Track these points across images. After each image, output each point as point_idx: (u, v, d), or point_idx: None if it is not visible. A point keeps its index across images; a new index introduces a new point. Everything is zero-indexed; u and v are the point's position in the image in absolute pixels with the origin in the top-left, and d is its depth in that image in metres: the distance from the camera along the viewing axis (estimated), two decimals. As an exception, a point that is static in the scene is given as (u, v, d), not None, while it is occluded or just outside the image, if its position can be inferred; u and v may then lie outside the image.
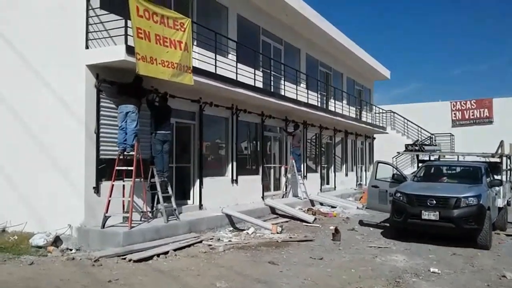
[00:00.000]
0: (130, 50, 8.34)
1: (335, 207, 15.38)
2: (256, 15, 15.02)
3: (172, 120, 10.40)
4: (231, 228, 11.04)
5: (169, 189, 9.85)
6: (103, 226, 8.56)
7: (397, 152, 12.57)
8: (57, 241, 8.63)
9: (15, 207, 9.48)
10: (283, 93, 15.14)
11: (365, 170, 26.36)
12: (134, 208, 9.29)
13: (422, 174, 10.91)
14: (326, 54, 20.98)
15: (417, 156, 12.47)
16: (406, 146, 12.37)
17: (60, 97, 8.96)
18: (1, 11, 10.05)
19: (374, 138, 27.60)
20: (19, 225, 9.33)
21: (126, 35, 8.47)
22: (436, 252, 8.40)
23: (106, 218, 8.64)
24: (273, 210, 13.52)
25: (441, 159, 12.43)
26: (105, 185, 9.02)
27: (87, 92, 8.75)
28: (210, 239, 9.54)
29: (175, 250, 8.22)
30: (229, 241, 9.40)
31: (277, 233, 10.44)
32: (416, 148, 11.89)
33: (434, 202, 8.95)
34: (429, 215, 8.88)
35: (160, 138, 9.68)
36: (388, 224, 11.98)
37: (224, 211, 11.20)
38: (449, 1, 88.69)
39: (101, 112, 9.01)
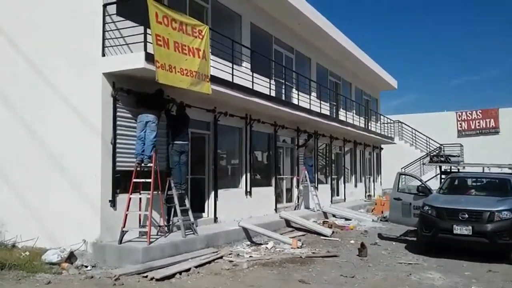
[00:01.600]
0: (149, 58, 8.02)
1: (350, 220, 14.98)
2: (268, 23, 14.76)
3: (186, 130, 10.04)
4: (248, 242, 10.63)
5: (186, 202, 9.46)
6: (120, 242, 8.15)
7: (424, 163, 12.14)
8: (71, 257, 8.21)
9: (26, 221, 9.06)
10: (295, 103, 14.82)
11: (373, 181, 26.01)
12: (154, 222, 8.92)
13: (447, 186, 10.54)
14: (335, 63, 20.73)
15: (440, 167, 12.12)
16: (431, 157, 12.01)
17: (74, 106, 8.60)
18: (13, 19, 9.73)
19: (382, 149, 27.28)
20: (30, 240, 8.92)
21: (145, 42, 8.14)
22: (471, 269, 7.99)
23: (123, 233, 8.23)
24: (288, 223, 13.11)
25: (463, 171, 12.03)
26: (121, 198, 8.63)
27: (103, 101, 8.40)
28: (229, 254, 9.14)
29: (196, 266, 7.82)
30: (250, 256, 8.99)
31: (298, 247, 10.03)
32: (442, 159, 11.52)
33: (466, 216, 8.57)
34: (461, 230, 8.49)
35: (177, 148, 9.32)
36: (410, 238, 11.64)
37: (241, 224, 10.79)
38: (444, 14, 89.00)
39: (118, 122, 8.66)
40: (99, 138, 8.34)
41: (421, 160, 27.19)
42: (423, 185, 10.36)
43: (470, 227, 8.44)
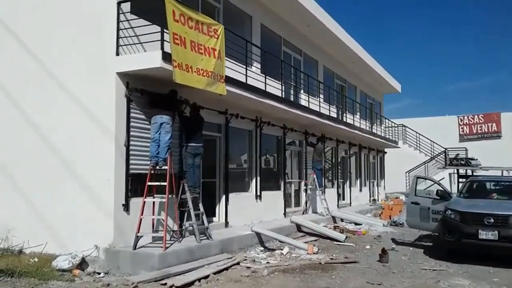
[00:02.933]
0: (166, 57, 7.74)
1: (360, 224, 14.71)
2: (278, 25, 14.54)
3: (198, 132, 9.75)
4: (262, 248, 10.34)
5: (200, 206, 9.17)
6: (135, 247, 7.85)
7: (440, 167, 11.79)
8: (82, 263, 7.89)
9: (34, 226, 8.74)
10: (305, 105, 14.58)
11: (377, 186, 25.78)
12: (168, 227, 8.61)
13: (467, 190, 10.29)
14: (341, 66, 20.54)
15: (458, 171, 11.89)
16: (451, 160, 11.79)
17: (87, 108, 8.30)
18: (22, 19, 9.44)
19: (385, 153, 27.08)
20: (38, 246, 8.59)
21: (162, 40, 7.86)
22: (498, 275, 7.74)
23: (138, 239, 7.93)
24: (298, 227, 12.83)
25: (480, 174, 11.80)
26: (134, 202, 8.33)
27: (117, 102, 8.10)
28: (244, 260, 8.85)
29: (214, 273, 7.53)
30: (267, 262, 8.70)
31: (314, 253, 9.76)
32: (462, 162, 11.29)
33: (492, 220, 8.33)
34: (487, 235, 8.25)
35: (191, 151, 9.04)
36: (425, 243, 11.40)
37: (254, 229, 10.51)
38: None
39: (131, 124, 8.36)
40: (112, 140, 8.05)
41: (426, 164, 27.05)
42: (442, 189, 10.11)
43: (496, 232, 8.20)
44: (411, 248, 10.60)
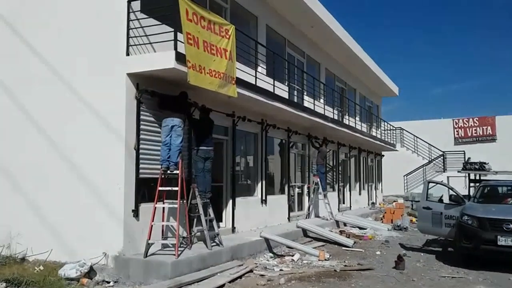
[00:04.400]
0: (179, 58, 7.47)
1: (364, 229, 14.52)
2: (282, 26, 14.34)
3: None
4: (271, 254, 10.09)
5: (211, 211, 8.90)
6: (146, 255, 7.55)
7: (459, 170, 11.42)
8: (90, 271, 7.59)
9: (38, 232, 8.41)
10: (310, 108, 14.38)
11: (375, 189, 25.69)
12: (175, 233, 8.34)
13: (480, 195, 10.14)
14: (342, 69, 20.41)
15: (468, 175, 11.74)
16: (465, 164, 11.64)
17: (96, 109, 8.00)
18: (26, 16, 9.12)
19: (383, 156, 27.01)
20: (42, 254, 8.27)
21: (175, 40, 7.59)
22: (519, 283, 7.59)
23: (149, 246, 7.64)
24: (304, 232, 12.61)
25: (490, 178, 11.66)
26: (144, 207, 8.05)
27: (127, 104, 7.82)
28: (256, 267, 8.60)
29: (229, 282, 7.26)
30: (280, 270, 8.45)
31: (325, 259, 9.53)
32: (476, 167, 11.15)
33: (511, 226, 8.17)
34: (507, 241, 8.08)
35: (201, 154, 8.77)
36: (434, 248, 11.23)
37: (263, 235, 10.25)
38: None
39: (141, 126, 8.08)
40: (122, 143, 7.75)
41: (424, 167, 27.02)
42: (455, 193, 9.94)
43: (516, 238, 8.05)
44: (422, 254, 10.41)
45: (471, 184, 11.85)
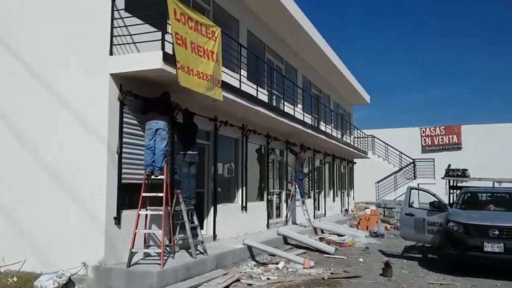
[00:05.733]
0: (166, 58, 7.19)
1: (343, 236, 14.50)
2: (262, 31, 14.23)
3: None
4: (254, 262, 9.87)
5: (195, 218, 8.60)
6: (129, 264, 7.18)
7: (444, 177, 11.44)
8: (67, 283, 7.14)
9: (11, 241, 7.89)
10: (290, 114, 14.30)
11: (347, 195, 25.87)
12: (158, 241, 8.01)
13: (462, 202, 10.25)
14: (317, 75, 20.51)
15: (449, 182, 11.88)
16: (447, 171, 11.78)
17: (77, 111, 7.58)
18: (3, 13, 8.61)
19: (355, 163, 27.28)
20: (15, 264, 7.74)
21: (163, 40, 7.31)
22: (506, 289, 7.66)
23: (132, 255, 7.28)
24: (285, 239, 12.45)
25: (471, 185, 11.85)
26: (126, 214, 7.68)
27: (110, 106, 7.45)
28: (241, 276, 8.34)
29: (217, 292, 7.00)
30: (268, 279, 8.23)
31: (310, 267, 9.38)
32: (459, 174, 11.31)
33: (497, 232, 8.26)
34: (493, 247, 8.17)
35: (187, 159, 8.47)
36: (414, 255, 11.29)
37: (246, 242, 10.02)
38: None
39: (124, 129, 7.72)
40: (104, 147, 7.37)
41: (395, 175, 27.46)
42: (438, 200, 10.03)
43: (502, 244, 8.13)
44: (404, 261, 10.43)
45: (451, 191, 12.00)
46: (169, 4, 7.21)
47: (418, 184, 25.40)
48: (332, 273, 8.73)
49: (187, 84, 7.35)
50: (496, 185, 12.10)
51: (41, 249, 7.65)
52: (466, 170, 11.46)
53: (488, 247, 8.21)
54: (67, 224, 7.50)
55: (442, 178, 11.98)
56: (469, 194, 10.54)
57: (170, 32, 7.33)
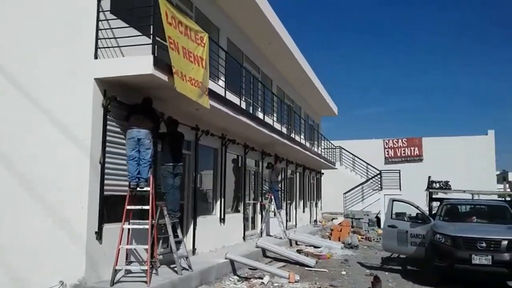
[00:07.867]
0: (156, 63, 6.81)
1: (319, 247, 14.37)
2: (241, 41, 14.04)
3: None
4: (236, 277, 9.53)
5: (179, 232, 8.19)
6: (112, 283, 6.69)
7: (430, 188, 11.44)
8: (43, 304, 6.57)
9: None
10: (269, 123, 14.11)
11: (315, 206, 25.92)
12: (139, 257, 7.56)
13: (445, 214, 10.33)
14: (290, 87, 20.50)
15: (430, 194, 11.99)
16: (430, 184, 11.87)
17: (58, 118, 7.04)
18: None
19: (323, 174, 27.41)
20: (-18, 283, 7.07)
21: (153, 44, 6.94)
22: (495, 301, 7.70)
23: (116, 272, 6.79)
24: (264, 252, 12.17)
25: (451, 197, 12.01)
26: (108, 228, 7.17)
27: (94, 112, 6.97)
28: (227, 292, 8.01)
29: (208, 311, 6.62)
30: (255, 294, 7.93)
31: (295, 281, 9.15)
32: (442, 186, 11.42)
33: (484, 245, 8.33)
34: (481, 260, 8.22)
35: (172, 170, 8.07)
36: (394, 267, 11.29)
37: (229, 256, 9.67)
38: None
39: (108, 138, 7.25)
40: (87, 157, 6.87)
41: (362, 186, 27.79)
42: (421, 212, 10.07)
43: (490, 257, 8.20)
44: (386, 273, 10.38)
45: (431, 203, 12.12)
46: (161, 6, 6.86)
47: (384, 195, 25.82)
48: (319, 287, 8.53)
49: (182, 90, 7.01)
50: (475, 197, 12.37)
51: (14, 267, 7.02)
52: (448, 181, 11.64)
53: (476, 259, 8.27)
54: (43, 239, 6.92)
55: (425, 190, 12.10)
56: (449, 206, 10.66)
57: (158, 36, 6.96)
